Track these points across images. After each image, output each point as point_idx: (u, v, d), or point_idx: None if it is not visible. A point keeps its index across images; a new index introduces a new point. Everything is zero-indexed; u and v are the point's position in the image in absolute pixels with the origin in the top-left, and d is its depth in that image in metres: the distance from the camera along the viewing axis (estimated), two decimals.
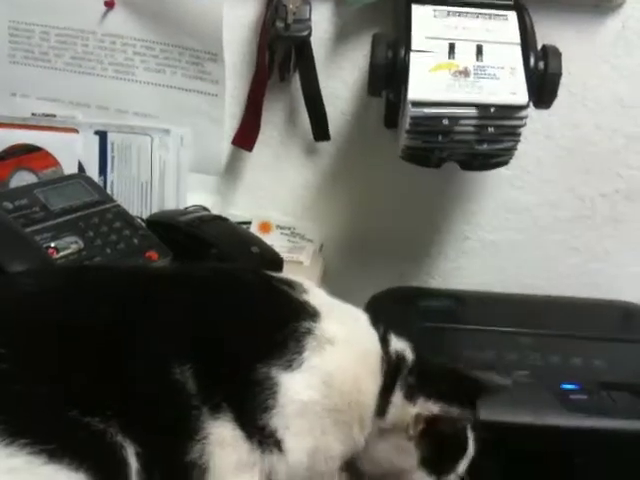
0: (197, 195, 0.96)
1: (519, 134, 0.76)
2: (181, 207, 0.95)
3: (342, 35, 0.91)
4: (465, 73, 0.76)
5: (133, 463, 0.48)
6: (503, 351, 0.71)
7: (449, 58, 0.78)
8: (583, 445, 0.67)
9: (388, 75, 0.78)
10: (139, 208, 0.92)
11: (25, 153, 0.94)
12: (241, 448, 0.53)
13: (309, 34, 0.88)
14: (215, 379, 0.53)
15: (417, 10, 0.80)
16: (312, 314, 0.57)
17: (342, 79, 0.93)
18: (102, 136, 0.94)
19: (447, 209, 0.95)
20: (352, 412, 0.57)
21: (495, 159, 0.77)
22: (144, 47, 0.94)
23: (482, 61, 0.77)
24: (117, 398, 0.49)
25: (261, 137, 0.95)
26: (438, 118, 0.73)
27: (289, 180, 0.98)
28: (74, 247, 0.77)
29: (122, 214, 0.84)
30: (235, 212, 0.96)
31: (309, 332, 0.55)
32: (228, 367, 0.54)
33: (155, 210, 0.94)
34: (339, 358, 0.56)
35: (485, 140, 0.74)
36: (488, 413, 0.65)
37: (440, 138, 0.74)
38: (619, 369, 0.72)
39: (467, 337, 0.80)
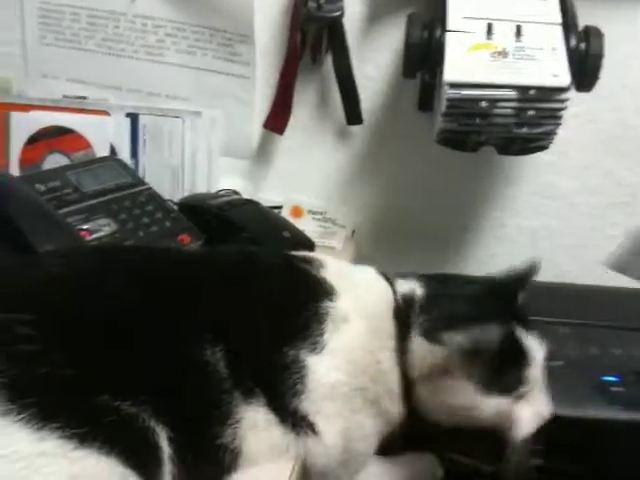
0: (228, 179, 0.95)
1: (560, 117, 0.73)
2: (212, 191, 0.94)
3: (375, 16, 0.89)
4: (503, 54, 0.74)
5: (165, 448, 0.48)
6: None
7: (487, 38, 0.75)
8: (623, 438, 0.65)
9: (423, 56, 0.76)
10: (170, 191, 0.92)
11: (57, 135, 0.94)
12: (274, 432, 0.54)
13: (342, 14, 0.86)
14: (245, 363, 0.53)
15: None
16: (329, 292, 0.57)
17: (375, 61, 0.91)
18: (134, 119, 0.94)
19: (482, 194, 0.93)
20: (377, 386, 0.57)
21: (534, 143, 0.75)
22: (175, 29, 0.93)
23: (521, 42, 0.75)
24: (149, 382, 0.49)
25: (292, 120, 0.94)
26: (476, 100, 0.71)
27: (321, 164, 0.96)
28: (107, 229, 0.77)
29: (154, 197, 0.84)
30: (266, 196, 0.95)
31: (327, 313, 0.56)
32: (257, 351, 0.54)
33: (186, 193, 0.93)
34: (355, 335, 0.57)
35: (524, 123, 0.72)
36: None
37: (478, 121, 0.72)
38: None
39: None
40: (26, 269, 0.54)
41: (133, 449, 0.46)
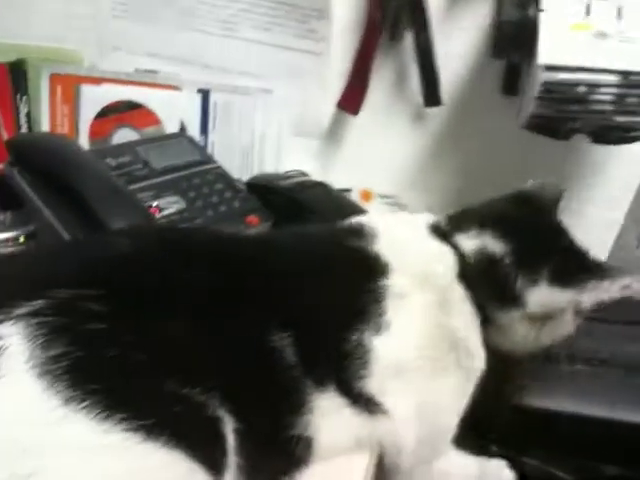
0: (297, 159, 0.92)
1: None
2: (281, 171, 0.91)
3: None
4: (603, 35, 0.69)
5: (231, 439, 0.45)
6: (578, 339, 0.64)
7: (585, 19, 0.70)
8: None
9: (516, 36, 0.72)
10: (239, 170, 0.90)
11: (127, 110, 0.93)
12: (348, 419, 0.52)
13: None
14: (316, 350, 0.51)
15: None
16: (384, 270, 0.54)
17: (459, 39, 0.86)
18: (205, 95, 0.92)
19: (568, 184, 0.88)
20: (446, 356, 0.55)
21: (634, 132, 0.70)
22: (250, 3, 0.90)
23: (622, 23, 0.70)
24: (217, 367, 0.46)
25: (366, 101, 0.90)
26: (574, 85, 0.66)
27: (394, 147, 0.92)
28: (176, 207, 0.75)
29: (223, 176, 0.82)
30: (335, 178, 0.92)
31: (385, 291, 0.53)
32: (321, 337, 0.52)
33: (255, 173, 0.91)
34: (413, 310, 0.54)
35: (625, 111, 0.67)
36: (557, 403, 0.63)
37: (574, 107, 0.67)
38: None
39: None
40: (97, 247, 0.52)
41: (201, 442, 0.43)
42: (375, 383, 0.52)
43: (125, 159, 0.79)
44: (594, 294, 0.55)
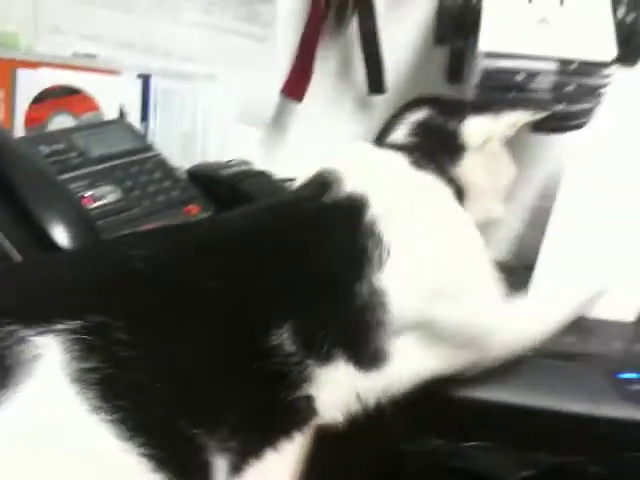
0: (241, 147, 0.91)
1: (601, 94, 0.68)
2: (224, 160, 0.90)
3: None
4: (545, 22, 0.69)
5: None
6: (561, 335, 0.65)
7: (527, 6, 0.70)
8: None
9: (458, 22, 0.71)
10: (181, 159, 0.87)
11: (64, 95, 0.89)
12: (351, 381, 0.52)
13: None
14: (316, 328, 0.51)
15: None
16: (363, 203, 0.55)
17: (404, 25, 0.85)
18: (145, 80, 0.89)
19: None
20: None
21: (572, 121, 0.70)
22: None
23: (565, 10, 0.70)
24: (224, 407, 0.47)
25: (311, 88, 0.88)
26: (512, 72, 0.66)
27: (339, 135, 0.91)
28: (111, 197, 0.73)
29: (163, 164, 0.80)
30: (280, 167, 0.91)
31: (373, 223, 0.54)
32: (324, 312, 0.52)
33: (197, 161, 0.89)
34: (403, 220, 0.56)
35: (563, 99, 0.67)
36: (538, 400, 0.63)
37: (512, 94, 0.67)
38: None
39: None
40: (115, 262, 0.50)
41: None
42: (392, 329, 0.52)
43: (59, 147, 0.76)
44: (507, 119, 0.64)
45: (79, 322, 0.42)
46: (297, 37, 0.86)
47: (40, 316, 0.42)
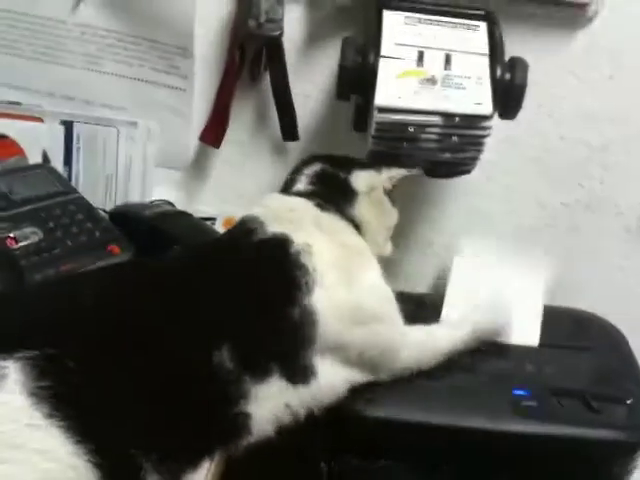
0: (162, 190, 0.95)
1: (483, 144, 0.77)
2: (146, 201, 0.94)
3: (314, 37, 0.91)
4: (432, 81, 0.77)
5: None
6: (457, 356, 0.72)
7: (417, 66, 0.78)
8: (532, 451, 0.68)
9: (356, 79, 0.78)
10: (104, 201, 0.91)
11: None
12: (283, 394, 0.60)
13: (281, 34, 0.88)
14: (253, 349, 0.59)
15: (388, 16, 0.81)
16: (285, 240, 0.65)
17: (313, 80, 0.93)
18: (68, 126, 0.93)
19: (413, 214, 0.96)
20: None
21: (458, 168, 0.78)
22: (114, 38, 0.93)
23: (450, 70, 0.78)
24: (160, 428, 0.54)
25: (230, 135, 0.95)
26: (404, 125, 0.74)
27: (256, 178, 0.98)
28: (33, 238, 0.76)
29: (85, 206, 0.84)
30: (200, 208, 0.96)
31: (298, 255, 0.64)
32: (260, 331, 0.60)
33: (119, 203, 0.93)
34: (323, 251, 0.65)
35: (448, 149, 0.75)
36: (440, 417, 0.68)
37: (405, 145, 0.75)
38: (570, 376, 0.74)
39: None
40: (66, 299, 0.59)
41: None
42: (319, 347, 0.61)
43: None
44: (385, 174, 0.75)
45: (35, 352, 0.51)
46: (214, 88, 0.93)
47: (6, 346, 0.51)
